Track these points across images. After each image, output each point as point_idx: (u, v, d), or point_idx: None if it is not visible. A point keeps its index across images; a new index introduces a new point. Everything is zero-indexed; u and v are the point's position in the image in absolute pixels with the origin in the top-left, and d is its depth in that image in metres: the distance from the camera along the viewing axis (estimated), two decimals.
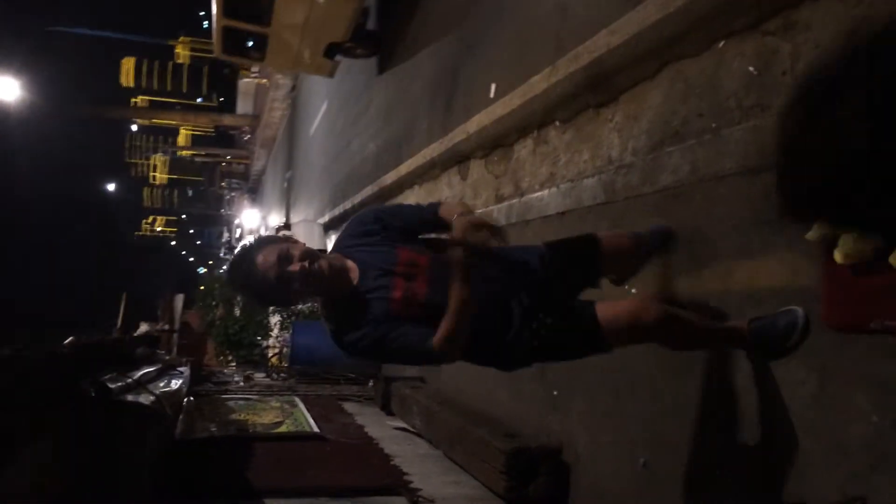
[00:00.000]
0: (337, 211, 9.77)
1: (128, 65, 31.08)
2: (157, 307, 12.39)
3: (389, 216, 1.98)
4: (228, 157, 37.29)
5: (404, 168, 6.10)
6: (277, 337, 9.62)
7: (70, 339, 2.84)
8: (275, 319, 9.65)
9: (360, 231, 1.96)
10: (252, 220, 26.76)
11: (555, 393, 3.14)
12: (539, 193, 3.46)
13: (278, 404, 5.51)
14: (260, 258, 1.79)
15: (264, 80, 22.81)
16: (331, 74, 9.46)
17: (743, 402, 2.05)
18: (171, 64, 30.33)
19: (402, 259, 1.88)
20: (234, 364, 9.59)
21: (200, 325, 11.52)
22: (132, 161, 41.38)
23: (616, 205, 2.78)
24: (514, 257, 2.03)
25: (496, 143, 4.11)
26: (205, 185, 42.36)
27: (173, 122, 32.23)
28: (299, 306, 8.96)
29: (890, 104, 0.91)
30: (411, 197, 6.07)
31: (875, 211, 0.97)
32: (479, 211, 4.25)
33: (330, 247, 2.07)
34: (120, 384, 3.00)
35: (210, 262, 49.01)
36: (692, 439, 2.26)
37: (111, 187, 50.05)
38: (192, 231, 58.21)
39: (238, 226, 32.14)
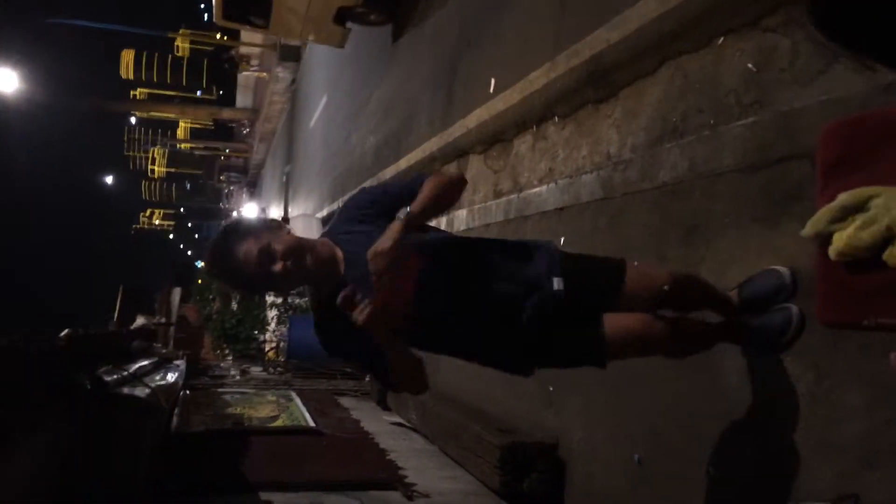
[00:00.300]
0: (336, 205, 9.76)
1: (127, 57, 30.91)
2: (154, 300, 12.41)
3: (381, 195, 1.82)
4: (227, 151, 37.26)
5: (404, 162, 6.09)
6: (274, 331, 9.62)
7: (66, 331, 2.83)
8: (272, 314, 9.65)
9: (354, 216, 1.81)
10: (251, 214, 26.75)
11: (550, 389, 3.14)
12: (537, 189, 3.46)
13: (274, 398, 5.52)
14: (241, 252, 1.65)
15: (264, 74, 22.75)
16: (341, 44, 8.49)
17: (736, 399, 2.05)
18: (170, 57, 30.17)
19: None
20: (230, 358, 9.61)
21: (197, 319, 11.53)
22: (131, 154, 41.26)
23: (614, 201, 2.78)
24: (521, 257, 1.83)
25: (495, 138, 4.10)
26: (203, 178, 42.23)
27: (172, 116, 32.14)
28: (296, 300, 8.97)
29: None
30: None
31: None
32: (478, 206, 4.25)
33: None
34: (116, 377, 2.99)
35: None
36: (686, 436, 2.26)
37: (109, 180, 50.10)
38: (189, 225, 58.15)
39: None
